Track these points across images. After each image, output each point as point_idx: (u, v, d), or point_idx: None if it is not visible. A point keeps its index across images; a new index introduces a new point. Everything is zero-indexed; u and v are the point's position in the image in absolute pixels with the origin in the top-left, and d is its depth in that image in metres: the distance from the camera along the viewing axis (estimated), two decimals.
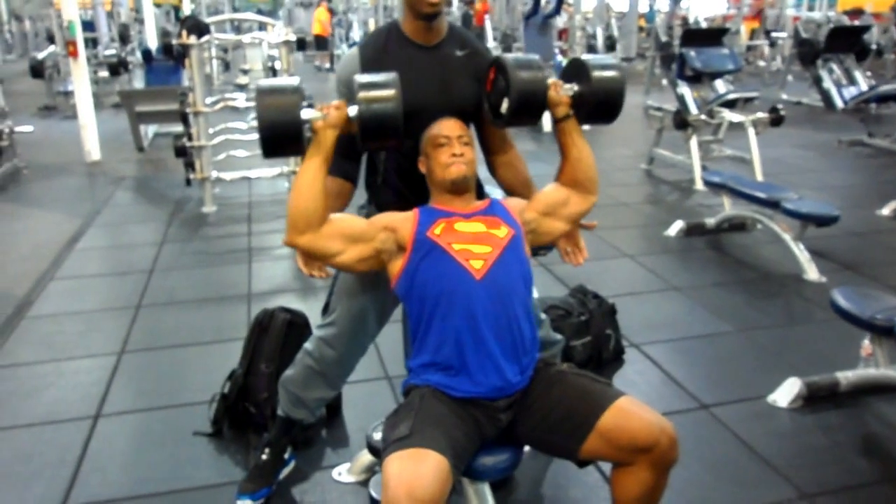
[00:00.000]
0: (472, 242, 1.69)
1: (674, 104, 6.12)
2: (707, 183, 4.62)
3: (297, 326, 2.55)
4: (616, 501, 1.62)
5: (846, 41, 9.44)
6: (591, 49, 10.94)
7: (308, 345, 2.14)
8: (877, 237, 4.48)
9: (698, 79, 6.01)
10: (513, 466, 1.71)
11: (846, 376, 2.65)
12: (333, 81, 2.14)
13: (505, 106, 1.80)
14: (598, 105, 1.83)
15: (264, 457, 2.22)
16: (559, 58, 9.26)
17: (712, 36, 8.77)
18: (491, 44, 10.36)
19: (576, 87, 1.83)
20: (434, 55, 1.91)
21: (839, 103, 8.84)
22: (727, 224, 4.52)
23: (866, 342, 2.68)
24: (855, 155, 6.86)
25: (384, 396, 2.73)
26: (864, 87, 9.13)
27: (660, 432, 1.53)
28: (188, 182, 5.20)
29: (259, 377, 2.47)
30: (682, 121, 5.66)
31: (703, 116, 5.75)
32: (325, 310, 2.11)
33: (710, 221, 4.53)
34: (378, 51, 1.91)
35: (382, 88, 1.68)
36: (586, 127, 1.92)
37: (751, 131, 5.63)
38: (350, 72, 1.87)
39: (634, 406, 1.58)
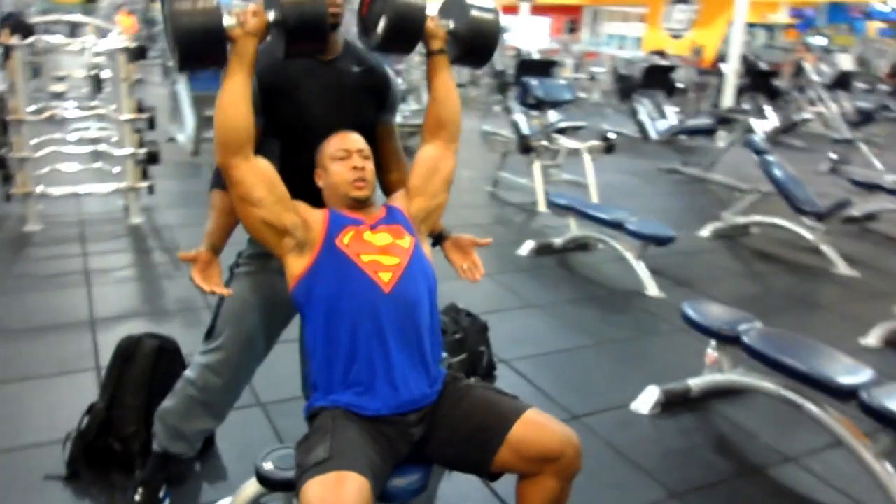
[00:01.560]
0: (381, 254, 1.66)
1: (508, 129, 6.42)
2: (554, 205, 4.87)
3: (167, 353, 2.36)
4: None
5: (658, 78, 10.42)
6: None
7: (189, 373, 1.99)
8: (701, 256, 4.95)
9: (538, 106, 6.34)
10: (423, 488, 1.69)
11: (696, 383, 2.89)
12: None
13: (381, 26, 1.74)
14: (473, 45, 1.84)
15: (137, 497, 2.04)
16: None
17: (544, 67, 9.34)
18: None
19: (451, 24, 1.83)
20: (331, 70, 1.87)
21: (653, 135, 9.74)
22: (573, 244, 4.80)
23: (710, 351, 2.94)
24: (672, 181, 7.55)
25: (259, 424, 2.60)
26: (673, 120, 10.11)
27: (567, 442, 1.58)
28: (7, 197, 4.67)
29: (125, 410, 2.26)
30: (526, 146, 5.95)
31: (544, 142, 6.07)
32: (210, 334, 1.98)
33: (558, 241, 4.78)
34: (273, 57, 1.84)
35: None
36: None
37: (586, 157, 6.03)
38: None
39: (542, 417, 1.63)
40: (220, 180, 1.78)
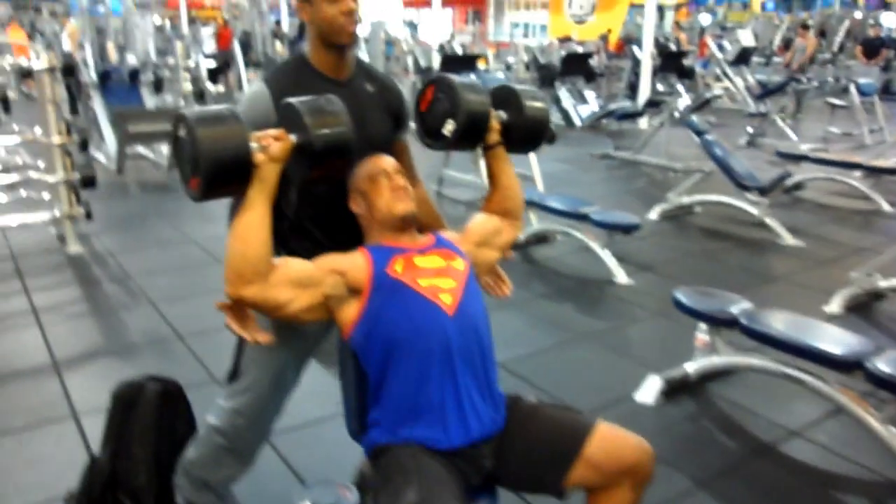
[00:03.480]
0: (437, 276, 1.60)
1: None
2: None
3: (171, 396, 2.19)
4: None
5: (577, 66, 10.63)
6: None
7: (214, 420, 1.87)
8: (656, 239, 5.06)
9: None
10: None
11: (694, 367, 2.94)
12: None
13: (449, 128, 1.73)
14: (527, 134, 1.85)
15: None
16: None
17: (469, 61, 9.36)
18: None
19: (503, 115, 1.83)
20: (347, 90, 1.78)
21: (578, 121, 9.94)
22: (534, 238, 4.81)
23: (700, 334, 3.00)
24: (606, 166, 7.70)
25: (267, 457, 2.47)
26: (594, 106, 10.33)
27: (643, 451, 1.57)
28: None
29: (132, 461, 2.09)
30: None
31: None
32: (234, 375, 1.85)
33: (520, 236, 4.78)
34: (290, 86, 1.72)
35: (329, 111, 1.53)
36: None
37: None
38: (261, 111, 1.68)
39: (614, 430, 1.60)
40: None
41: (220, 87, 12.43)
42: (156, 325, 3.52)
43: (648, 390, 2.87)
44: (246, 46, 12.47)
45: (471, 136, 1.77)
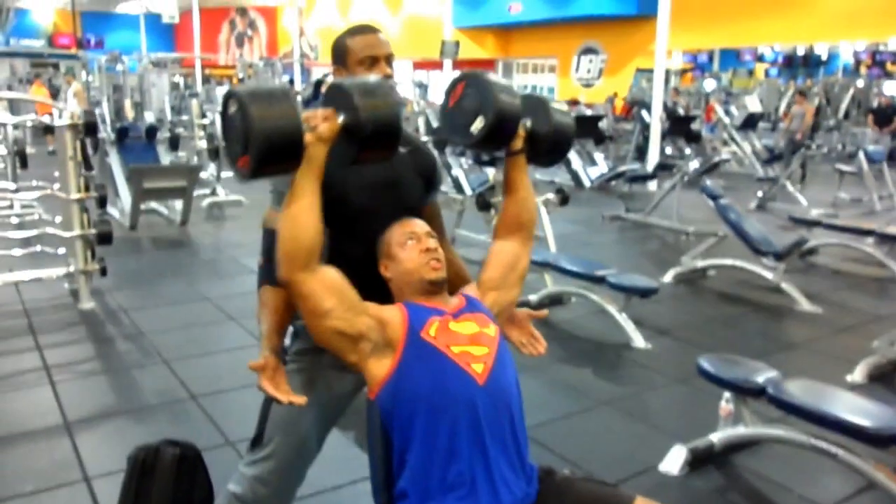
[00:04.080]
0: (470, 344, 1.57)
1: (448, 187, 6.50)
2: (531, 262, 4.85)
3: (188, 461, 2.14)
4: None
5: (587, 128, 10.76)
6: None
7: (235, 488, 1.82)
8: (671, 302, 5.03)
9: (492, 163, 6.38)
10: None
11: (719, 437, 2.87)
12: None
13: (478, 125, 1.69)
14: (552, 145, 1.82)
15: None
16: None
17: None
18: None
19: (528, 123, 1.79)
20: None
21: (587, 182, 10.01)
22: (548, 300, 4.78)
23: (724, 403, 2.93)
24: (618, 228, 7.71)
25: None
26: (603, 167, 10.43)
27: None
28: None
29: None
30: (484, 202, 5.95)
31: (501, 198, 6.09)
32: (257, 442, 1.81)
33: (533, 298, 4.75)
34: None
35: (378, 91, 1.53)
36: None
37: (543, 210, 6.08)
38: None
39: None
40: (270, 275, 1.65)
41: None
42: (169, 385, 3.47)
43: (673, 461, 2.79)
44: None
45: (499, 136, 1.73)
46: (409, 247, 1.65)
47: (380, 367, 1.54)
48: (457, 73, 1.90)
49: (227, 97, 1.49)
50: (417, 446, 1.51)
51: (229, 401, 3.32)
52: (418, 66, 23.76)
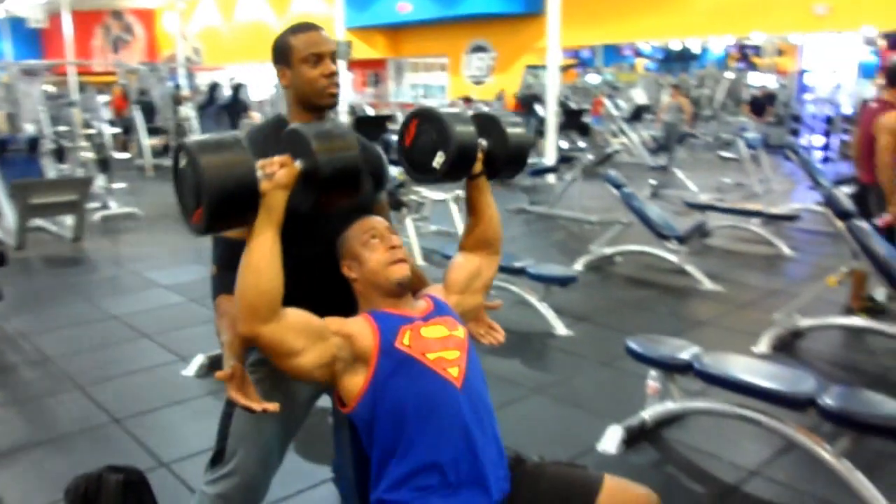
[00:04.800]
0: (442, 349, 1.59)
1: None
2: (446, 257, 4.90)
3: (134, 486, 2.06)
4: None
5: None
6: None
7: None
8: (585, 289, 5.19)
9: (399, 162, 6.38)
10: None
11: (650, 414, 3.01)
12: None
13: (439, 160, 1.69)
14: (509, 162, 1.83)
15: None
16: None
17: (380, 122, 9.47)
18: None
19: (484, 143, 1.80)
20: None
21: None
22: None
23: (651, 381, 3.08)
24: (524, 220, 7.90)
25: None
26: None
27: (652, 502, 1.59)
28: None
29: None
30: (397, 202, 5.95)
31: (413, 196, 6.12)
32: (218, 458, 1.75)
33: None
34: (269, 148, 1.69)
35: (335, 134, 1.49)
36: None
37: (453, 207, 6.16)
38: None
39: (621, 483, 1.62)
40: (224, 284, 1.60)
41: (127, 154, 12.03)
42: (87, 411, 3.28)
43: (610, 440, 2.90)
44: (149, 112, 12.15)
45: (461, 167, 1.73)
46: (372, 245, 1.64)
47: (353, 383, 1.53)
48: (409, 111, 1.88)
49: (177, 150, 1.42)
50: (399, 455, 1.52)
51: (155, 421, 3.18)
52: None
